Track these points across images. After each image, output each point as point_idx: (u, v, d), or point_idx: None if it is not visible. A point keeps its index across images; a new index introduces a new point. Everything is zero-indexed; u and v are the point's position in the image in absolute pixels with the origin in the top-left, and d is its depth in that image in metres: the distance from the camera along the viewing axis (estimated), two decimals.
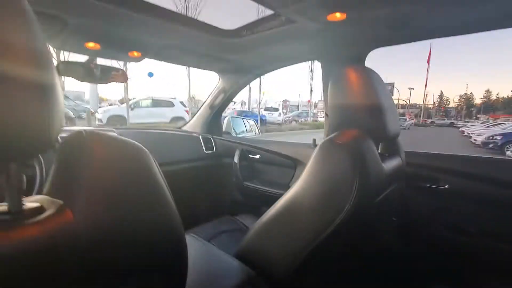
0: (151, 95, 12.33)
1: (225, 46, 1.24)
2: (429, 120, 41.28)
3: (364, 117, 0.70)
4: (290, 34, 1.09)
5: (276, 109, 18.65)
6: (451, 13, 0.88)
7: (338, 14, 0.87)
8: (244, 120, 2.13)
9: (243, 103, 22.04)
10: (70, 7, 0.81)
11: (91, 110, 10.53)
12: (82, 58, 1.14)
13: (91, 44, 1.02)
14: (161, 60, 1.35)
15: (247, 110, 16.99)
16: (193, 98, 11.79)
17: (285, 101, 32.10)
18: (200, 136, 1.79)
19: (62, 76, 1.15)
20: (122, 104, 11.89)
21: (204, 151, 1.76)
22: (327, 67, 1.30)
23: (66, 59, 1.19)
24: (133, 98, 12.72)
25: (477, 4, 0.82)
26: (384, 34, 1.05)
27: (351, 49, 1.20)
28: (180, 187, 1.67)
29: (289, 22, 0.98)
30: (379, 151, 0.83)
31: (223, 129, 1.98)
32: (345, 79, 0.73)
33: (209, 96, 1.83)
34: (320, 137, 1.38)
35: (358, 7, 0.85)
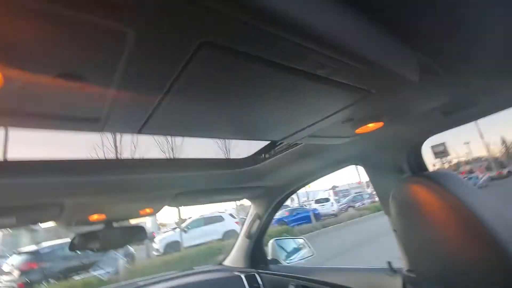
0: (202, 213, 12.65)
1: (244, 175, 1.11)
2: (505, 170, 34.27)
3: (463, 254, 0.43)
4: (314, 150, 0.93)
5: (327, 199, 17.48)
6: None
7: (371, 125, 0.68)
8: (292, 239, 1.81)
9: (292, 199, 21.43)
10: (66, 193, 0.77)
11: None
12: None
13: (95, 216, 0.96)
14: (179, 207, 1.26)
15: (298, 207, 16.20)
16: (242, 205, 11.76)
17: (333, 188, 30.48)
18: (242, 275, 1.48)
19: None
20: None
21: None
22: (372, 172, 1.05)
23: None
24: (189, 218, 13.08)
25: None
26: (439, 121, 0.81)
27: (398, 147, 0.92)
28: None
29: None
30: None
31: (269, 256, 1.66)
32: (413, 202, 0.51)
33: (243, 225, 1.62)
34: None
35: (396, 111, 0.66)
